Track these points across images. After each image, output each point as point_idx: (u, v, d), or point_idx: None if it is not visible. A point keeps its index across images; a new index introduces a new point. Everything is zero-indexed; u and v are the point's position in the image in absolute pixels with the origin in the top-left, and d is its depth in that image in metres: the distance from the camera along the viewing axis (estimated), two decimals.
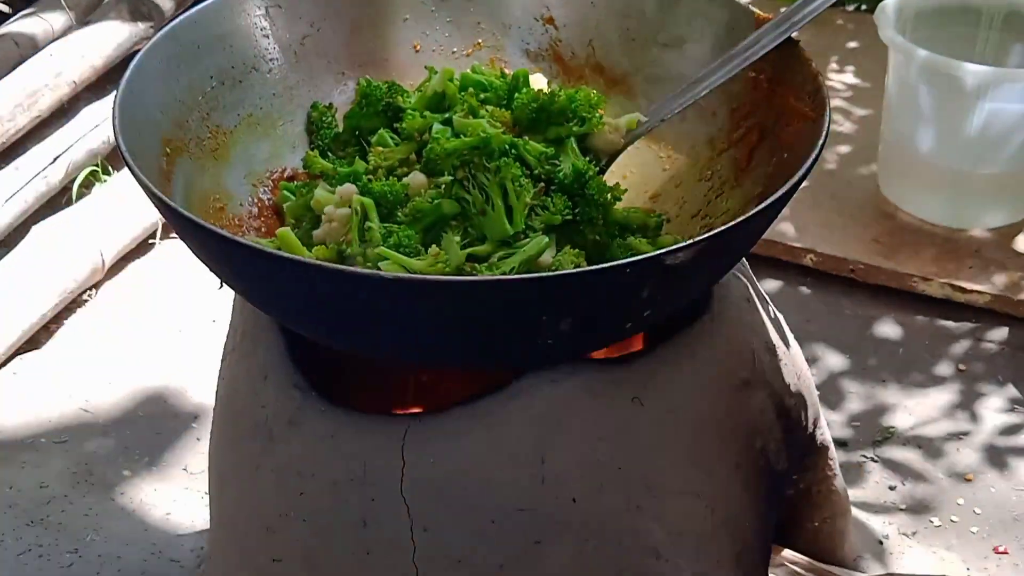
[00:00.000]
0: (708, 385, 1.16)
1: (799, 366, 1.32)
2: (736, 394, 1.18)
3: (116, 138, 1.06)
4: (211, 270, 1.08)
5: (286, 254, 0.96)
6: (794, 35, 1.18)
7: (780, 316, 1.35)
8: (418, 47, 1.35)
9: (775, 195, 0.99)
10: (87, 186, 2.38)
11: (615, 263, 0.94)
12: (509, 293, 0.94)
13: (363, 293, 0.93)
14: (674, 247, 0.94)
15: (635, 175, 1.30)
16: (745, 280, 1.28)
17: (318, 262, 0.93)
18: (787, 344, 1.31)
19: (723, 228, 0.96)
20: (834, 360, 2.03)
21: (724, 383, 1.17)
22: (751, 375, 1.20)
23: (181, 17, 1.23)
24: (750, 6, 1.25)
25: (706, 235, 0.95)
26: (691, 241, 0.94)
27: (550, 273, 1.02)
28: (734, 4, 1.25)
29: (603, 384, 1.10)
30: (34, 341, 2.07)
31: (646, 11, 1.32)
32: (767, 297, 1.34)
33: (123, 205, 2.26)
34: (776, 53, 1.19)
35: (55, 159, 2.30)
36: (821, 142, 1.07)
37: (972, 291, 2.11)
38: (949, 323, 2.11)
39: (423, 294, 0.93)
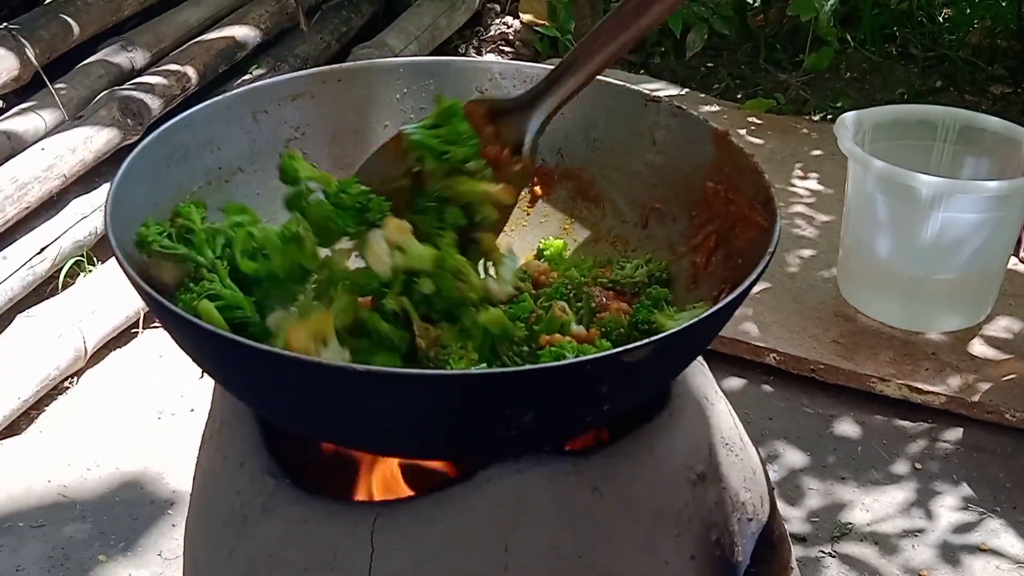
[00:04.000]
0: (665, 478, 1.21)
1: (754, 462, 1.38)
2: (692, 487, 1.24)
3: (107, 234, 1.12)
4: (193, 360, 1.14)
5: (256, 344, 1.00)
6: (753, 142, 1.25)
7: (735, 413, 1.41)
8: None
9: (725, 300, 1.06)
10: (72, 276, 2.43)
11: (576, 360, 1.01)
12: (476, 387, 1.00)
13: (335, 386, 0.99)
14: (630, 346, 1.01)
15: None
16: (703, 378, 1.35)
17: (290, 354, 0.99)
18: (742, 440, 1.37)
19: (676, 329, 1.03)
20: (794, 457, 2.09)
21: (681, 476, 1.23)
22: (707, 469, 1.26)
23: (173, 120, 1.30)
24: (708, 121, 1.33)
25: (660, 336, 1.02)
26: (646, 341, 1.01)
27: (514, 369, 1.08)
28: (692, 118, 1.33)
29: (565, 474, 1.16)
30: (15, 427, 2.11)
31: (610, 121, 1.40)
32: (724, 395, 1.40)
33: (107, 295, 2.30)
34: (732, 166, 1.28)
35: (42, 249, 2.35)
36: (771, 250, 1.14)
37: (928, 392, 2.18)
38: (906, 423, 2.17)
39: (392, 387, 0.98)
